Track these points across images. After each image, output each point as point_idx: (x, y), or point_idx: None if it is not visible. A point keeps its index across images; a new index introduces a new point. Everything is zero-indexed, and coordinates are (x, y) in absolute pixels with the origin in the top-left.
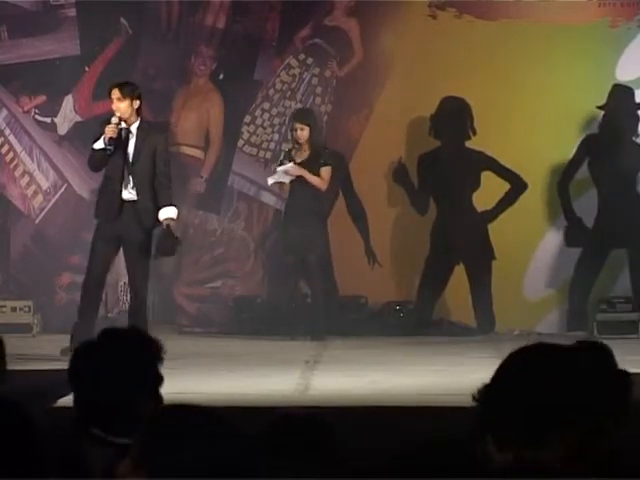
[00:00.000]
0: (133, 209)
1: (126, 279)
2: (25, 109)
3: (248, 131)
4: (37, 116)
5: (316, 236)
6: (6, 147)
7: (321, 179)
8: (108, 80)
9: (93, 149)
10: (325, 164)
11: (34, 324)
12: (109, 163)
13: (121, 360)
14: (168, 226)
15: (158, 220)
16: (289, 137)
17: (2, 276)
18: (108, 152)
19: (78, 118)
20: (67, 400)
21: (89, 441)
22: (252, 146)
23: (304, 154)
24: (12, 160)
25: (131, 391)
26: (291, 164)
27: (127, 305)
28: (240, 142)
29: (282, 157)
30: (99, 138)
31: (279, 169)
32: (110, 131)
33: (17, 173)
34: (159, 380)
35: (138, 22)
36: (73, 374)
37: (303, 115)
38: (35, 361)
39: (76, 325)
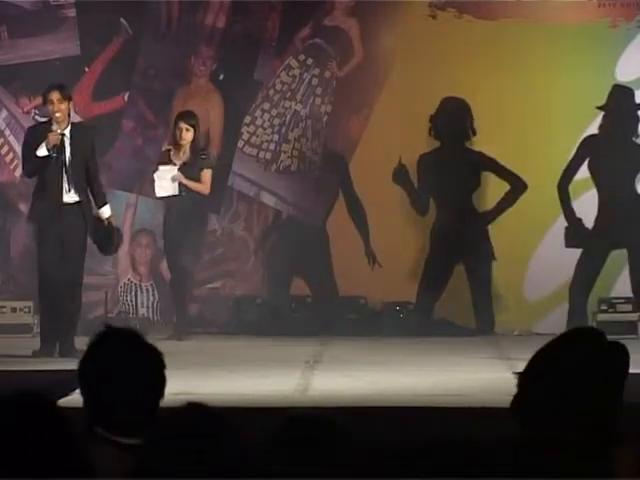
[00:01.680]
0: (76, 211)
1: (126, 279)
2: (25, 110)
3: (248, 132)
4: (37, 116)
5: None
6: (6, 148)
7: (202, 184)
8: (108, 80)
9: (36, 156)
10: (204, 167)
11: (34, 324)
12: (46, 168)
13: (127, 360)
14: (110, 223)
15: (98, 219)
16: (288, 137)
17: (2, 276)
18: (52, 159)
19: (78, 118)
20: (67, 400)
21: (93, 441)
22: (252, 147)
23: (183, 156)
24: (12, 160)
25: (136, 391)
26: (171, 167)
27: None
28: (240, 142)
29: (160, 157)
30: (36, 146)
31: (161, 170)
32: (54, 139)
33: (17, 173)
34: (164, 381)
35: (138, 22)
36: (79, 373)
37: (189, 116)
38: (35, 361)
39: (42, 329)
